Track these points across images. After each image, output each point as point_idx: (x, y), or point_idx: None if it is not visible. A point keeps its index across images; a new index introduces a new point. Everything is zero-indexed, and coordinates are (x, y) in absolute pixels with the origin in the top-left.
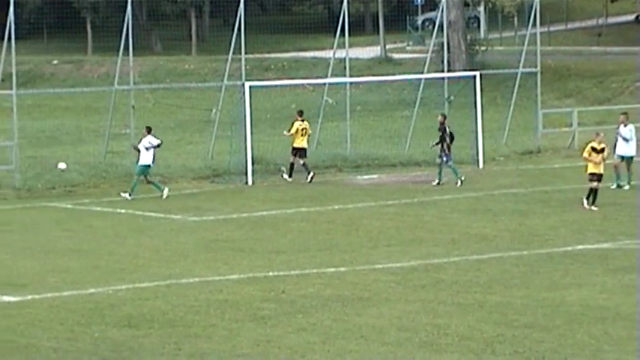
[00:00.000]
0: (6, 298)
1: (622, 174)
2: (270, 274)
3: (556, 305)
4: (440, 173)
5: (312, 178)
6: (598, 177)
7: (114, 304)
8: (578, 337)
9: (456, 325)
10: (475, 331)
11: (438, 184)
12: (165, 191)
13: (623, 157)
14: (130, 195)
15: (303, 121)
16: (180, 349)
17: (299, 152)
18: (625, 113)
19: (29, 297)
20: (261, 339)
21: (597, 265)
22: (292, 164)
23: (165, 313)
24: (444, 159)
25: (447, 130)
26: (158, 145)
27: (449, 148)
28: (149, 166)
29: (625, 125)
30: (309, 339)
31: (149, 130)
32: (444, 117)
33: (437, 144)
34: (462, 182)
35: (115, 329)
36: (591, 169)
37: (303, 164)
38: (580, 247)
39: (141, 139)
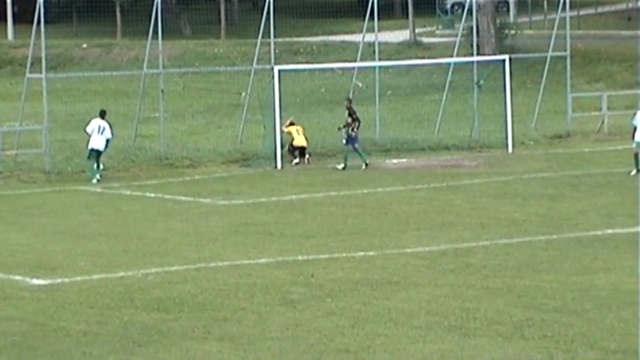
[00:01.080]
0: (36, 282)
1: None
2: (300, 258)
3: (585, 289)
4: (345, 157)
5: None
6: None
7: (143, 288)
8: (607, 322)
9: (485, 309)
10: (504, 315)
11: (344, 168)
12: (94, 180)
13: None
14: (97, 180)
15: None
16: (210, 332)
17: (299, 150)
18: None
19: (59, 280)
20: (290, 323)
21: (627, 250)
22: (294, 148)
23: (194, 296)
24: (351, 142)
25: (355, 114)
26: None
27: (355, 131)
28: (97, 150)
29: None
30: (338, 323)
31: (102, 115)
32: (350, 101)
33: (343, 127)
34: (366, 166)
35: (145, 313)
36: None
37: (308, 159)
38: (609, 231)
39: (90, 121)
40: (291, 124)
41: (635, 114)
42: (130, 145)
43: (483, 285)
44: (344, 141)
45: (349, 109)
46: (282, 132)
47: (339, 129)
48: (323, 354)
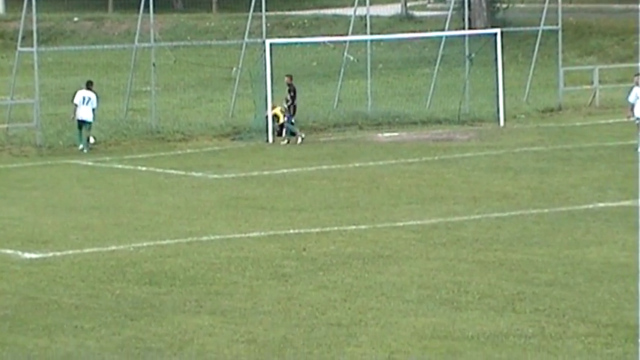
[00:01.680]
0: (28, 255)
1: None
2: (291, 231)
3: (577, 263)
4: (289, 131)
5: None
6: None
7: (135, 262)
8: (598, 295)
9: (476, 282)
10: (496, 288)
11: (288, 142)
12: (81, 146)
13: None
14: (85, 149)
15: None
16: (202, 306)
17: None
18: (638, 74)
19: (51, 254)
20: (283, 296)
21: (618, 223)
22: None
23: (186, 270)
24: (287, 118)
25: (294, 91)
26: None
27: (294, 108)
28: (84, 121)
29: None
30: (330, 296)
31: (88, 85)
32: (291, 77)
33: (286, 103)
34: (302, 139)
35: (137, 286)
36: None
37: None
38: (601, 204)
39: (76, 93)
40: (274, 107)
41: (630, 89)
42: (121, 118)
43: (475, 258)
44: (285, 118)
45: (289, 85)
46: (266, 117)
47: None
48: (315, 327)
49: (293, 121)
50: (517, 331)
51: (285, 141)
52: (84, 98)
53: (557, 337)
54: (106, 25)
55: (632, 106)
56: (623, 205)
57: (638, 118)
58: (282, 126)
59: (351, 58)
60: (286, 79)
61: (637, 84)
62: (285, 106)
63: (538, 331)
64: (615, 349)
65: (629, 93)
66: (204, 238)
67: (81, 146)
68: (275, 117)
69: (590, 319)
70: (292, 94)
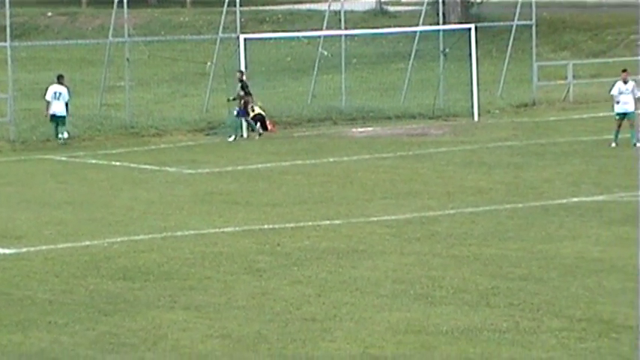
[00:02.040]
0: (1, 251)
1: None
2: (266, 226)
3: (551, 258)
4: (236, 128)
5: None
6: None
7: (109, 257)
8: (572, 290)
9: (450, 277)
10: (470, 283)
11: (235, 139)
12: (60, 135)
13: (624, 115)
14: (63, 141)
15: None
16: (176, 301)
17: (259, 119)
18: (625, 70)
19: (24, 249)
20: (257, 291)
21: (592, 218)
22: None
23: (160, 265)
24: (242, 114)
25: (247, 87)
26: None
27: (246, 103)
28: (58, 115)
29: (625, 82)
30: (304, 291)
31: (59, 80)
32: (242, 73)
33: (234, 99)
34: (260, 135)
35: (111, 282)
36: None
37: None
38: (575, 199)
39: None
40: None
41: (613, 84)
42: (95, 113)
43: (449, 253)
44: (235, 112)
45: (242, 81)
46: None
47: (229, 100)
48: (289, 322)
49: (241, 119)
50: (491, 326)
51: (258, 135)
52: (55, 93)
53: (531, 332)
54: (80, 20)
55: (615, 99)
56: (597, 200)
57: (620, 114)
58: (252, 119)
59: (325, 53)
60: (238, 74)
61: (624, 81)
62: (237, 102)
63: (512, 325)
64: (589, 343)
65: (612, 86)
66: (179, 233)
67: (59, 136)
68: (258, 115)
69: (563, 314)
70: (245, 89)
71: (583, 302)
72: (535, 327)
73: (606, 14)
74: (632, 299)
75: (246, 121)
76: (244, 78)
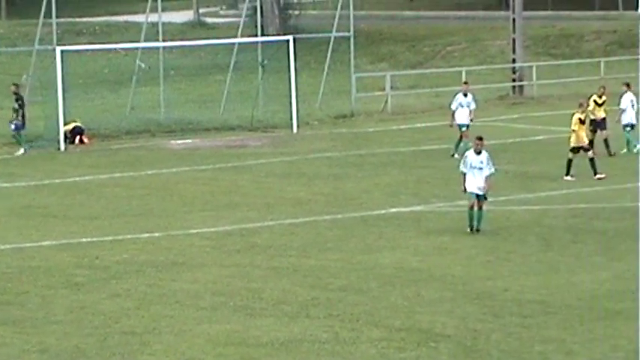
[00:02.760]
0: None
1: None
2: (84, 240)
3: (370, 268)
4: (22, 142)
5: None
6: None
7: None
8: (391, 300)
9: (270, 289)
10: (290, 294)
11: (25, 152)
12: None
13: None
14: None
15: None
16: None
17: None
18: (466, 83)
19: None
20: (75, 305)
21: (410, 228)
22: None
23: None
24: (15, 126)
25: (22, 100)
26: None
27: (23, 116)
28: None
29: (465, 95)
30: (123, 305)
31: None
32: (17, 86)
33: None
34: (24, 152)
35: None
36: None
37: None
38: (393, 210)
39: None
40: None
41: (621, 95)
42: None
43: (269, 265)
44: (13, 127)
45: (16, 94)
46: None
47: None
48: (108, 336)
49: (22, 132)
50: (311, 337)
51: (21, 151)
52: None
53: (351, 342)
54: None
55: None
56: (415, 210)
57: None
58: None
59: (143, 65)
60: (12, 87)
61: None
62: (14, 115)
63: (332, 336)
64: (408, 353)
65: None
66: None
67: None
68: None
69: (383, 324)
70: (20, 102)
71: (402, 312)
72: (355, 337)
73: (423, 26)
74: (450, 308)
75: (13, 134)
76: (19, 91)
